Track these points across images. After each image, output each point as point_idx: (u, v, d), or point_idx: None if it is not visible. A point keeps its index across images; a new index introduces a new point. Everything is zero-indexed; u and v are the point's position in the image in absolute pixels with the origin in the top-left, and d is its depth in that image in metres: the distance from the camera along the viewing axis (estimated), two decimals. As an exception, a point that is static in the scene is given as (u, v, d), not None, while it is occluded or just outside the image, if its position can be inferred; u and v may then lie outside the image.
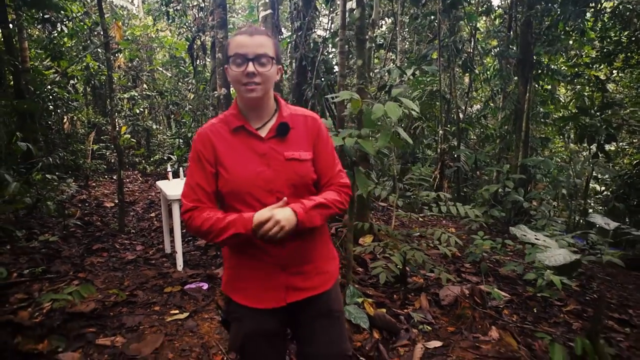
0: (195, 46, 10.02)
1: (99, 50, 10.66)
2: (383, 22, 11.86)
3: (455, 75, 9.55)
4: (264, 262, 1.41)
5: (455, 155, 8.49)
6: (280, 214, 1.27)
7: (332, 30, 8.06)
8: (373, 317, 2.59)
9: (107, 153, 12.11)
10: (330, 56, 8.37)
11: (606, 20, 8.71)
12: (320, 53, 6.76)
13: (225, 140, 1.40)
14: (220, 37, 7.12)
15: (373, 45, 7.12)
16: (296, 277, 1.44)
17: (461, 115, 9.66)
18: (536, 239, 2.37)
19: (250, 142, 1.40)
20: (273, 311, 1.42)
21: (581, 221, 8.22)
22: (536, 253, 2.28)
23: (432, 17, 9.23)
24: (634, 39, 8.96)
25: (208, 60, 9.97)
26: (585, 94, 9.95)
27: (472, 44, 9.45)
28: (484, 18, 11.64)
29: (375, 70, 10.23)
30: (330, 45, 7.78)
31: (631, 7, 8.29)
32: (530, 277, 3.46)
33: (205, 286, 3.42)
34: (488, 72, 9.35)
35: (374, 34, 8.84)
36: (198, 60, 10.66)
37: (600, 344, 2.31)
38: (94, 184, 9.84)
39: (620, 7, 8.35)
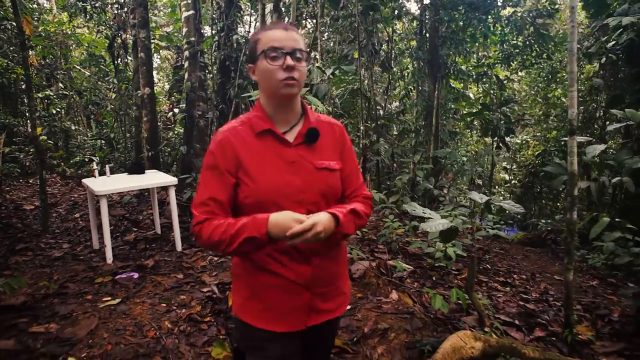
0: (115, 44, 9.81)
1: (6, 45, 10.06)
2: (307, 22, 12.28)
3: (374, 74, 10.20)
4: (288, 281, 1.30)
5: (377, 150, 9.12)
6: (317, 217, 1.18)
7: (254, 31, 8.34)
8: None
9: (22, 156, 11.44)
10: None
11: (504, 26, 9.74)
12: (243, 53, 7.01)
13: (249, 145, 1.28)
14: (142, 36, 7.13)
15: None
16: (319, 298, 1.36)
17: (382, 112, 10.36)
18: (423, 212, 2.85)
19: (277, 147, 1.30)
20: (293, 335, 1.34)
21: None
22: (421, 223, 2.76)
23: (352, 19, 9.79)
24: (528, 43, 10.13)
25: (129, 59, 9.79)
26: (492, 91, 11.07)
27: (390, 45, 10.16)
28: (404, 20, 12.47)
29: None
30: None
31: (524, 16, 9.37)
32: (429, 250, 4.01)
33: (136, 275, 3.60)
34: (404, 72, 10.09)
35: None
36: (119, 59, 10.42)
37: (474, 295, 2.85)
38: (7, 188, 9.32)
39: (514, 15, 9.41)
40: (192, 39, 6.26)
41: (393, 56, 10.07)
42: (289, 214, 1.18)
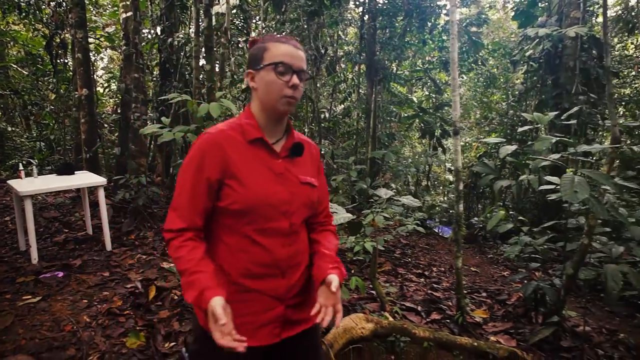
0: (54, 44, 9.57)
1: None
2: (256, 25, 12.41)
3: (320, 78, 10.49)
4: (260, 294, 1.30)
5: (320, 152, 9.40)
6: (337, 301, 1.28)
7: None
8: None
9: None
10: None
11: (441, 34, 10.26)
12: (183, 55, 7.09)
13: (240, 151, 1.28)
14: (79, 36, 7.06)
15: (227, 51, 7.59)
16: (293, 310, 1.37)
17: (327, 115, 10.67)
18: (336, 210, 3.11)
19: (266, 157, 1.31)
20: (258, 350, 1.32)
21: (424, 203, 9.64)
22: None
23: (298, 22, 10.03)
24: (464, 50, 10.71)
25: (69, 59, 9.60)
26: (432, 95, 11.62)
27: (335, 48, 10.48)
28: (353, 26, 12.85)
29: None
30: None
31: (461, 23, 9.93)
32: (349, 244, 4.27)
33: (61, 274, 3.65)
34: (344, 75, 10.43)
35: (248, 37, 9.37)
36: (59, 59, 10.17)
37: (377, 282, 3.13)
38: None
39: (449, 24, 9.94)
40: (129, 40, 6.28)
41: (336, 60, 10.41)
42: (224, 306, 1.16)
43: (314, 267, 1.38)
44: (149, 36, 8.62)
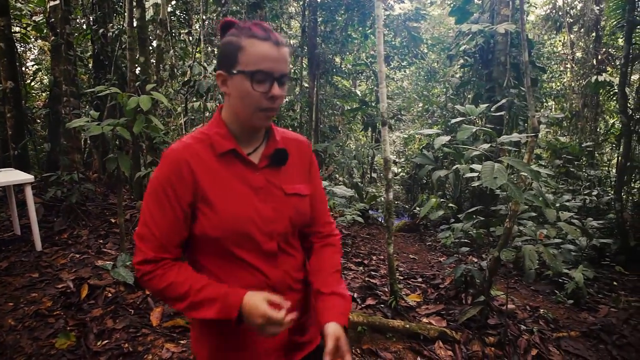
0: (-25, 33, 8.90)
1: None
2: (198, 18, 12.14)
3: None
4: None
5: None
6: (334, 333, 1.08)
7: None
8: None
9: None
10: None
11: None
12: (118, 47, 6.82)
13: (209, 168, 1.09)
14: (2, 24, 6.62)
15: (165, 43, 7.41)
16: (296, 333, 1.22)
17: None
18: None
19: (242, 171, 1.12)
20: None
21: (367, 194, 9.88)
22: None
23: (240, 15, 9.91)
24: (404, 44, 11.02)
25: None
26: (376, 88, 11.87)
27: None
28: (297, 19, 12.86)
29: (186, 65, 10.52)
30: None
31: (397, 18, 10.20)
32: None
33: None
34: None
35: (190, 30, 9.14)
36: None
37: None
38: None
39: (389, 18, 10.19)
40: (56, 30, 5.97)
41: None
42: (264, 296, 1.02)
43: (315, 307, 1.20)
44: (84, 26, 8.22)
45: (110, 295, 3.20)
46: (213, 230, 1.06)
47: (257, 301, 1.00)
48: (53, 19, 6.24)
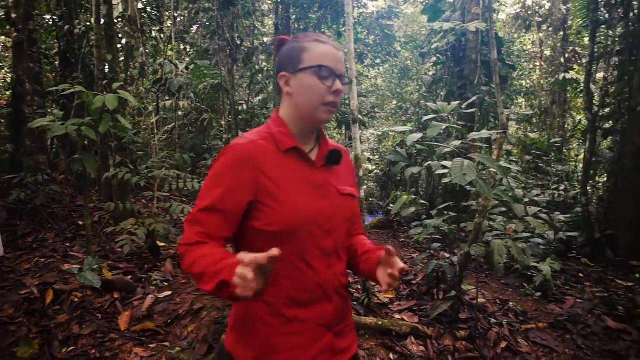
0: None
1: None
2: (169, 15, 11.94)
3: (234, 68, 10.33)
4: (307, 323, 1.14)
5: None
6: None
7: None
8: (111, 280, 3.00)
9: None
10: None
11: (355, 25, 10.50)
12: (85, 44, 6.62)
13: (275, 163, 1.12)
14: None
15: (134, 40, 7.26)
16: (339, 337, 1.21)
17: (245, 106, 10.55)
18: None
19: (302, 168, 1.16)
20: None
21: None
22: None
23: (212, 12, 9.77)
24: (377, 42, 11.08)
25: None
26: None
27: (251, 39, 10.36)
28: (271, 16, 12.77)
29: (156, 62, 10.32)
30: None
31: (370, 16, 10.24)
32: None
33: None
34: (260, 66, 10.37)
35: (161, 27, 8.96)
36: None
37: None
38: None
39: (362, 16, 10.23)
40: (17, 26, 5.76)
41: (252, 51, 10.31)
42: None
43: (363, 260, 1.22)
44: (50, 22, 7.95)
45: (76, 299, 3.11)
46: (277, 224, 1.07)
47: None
48: (15, 14, 6.01)
